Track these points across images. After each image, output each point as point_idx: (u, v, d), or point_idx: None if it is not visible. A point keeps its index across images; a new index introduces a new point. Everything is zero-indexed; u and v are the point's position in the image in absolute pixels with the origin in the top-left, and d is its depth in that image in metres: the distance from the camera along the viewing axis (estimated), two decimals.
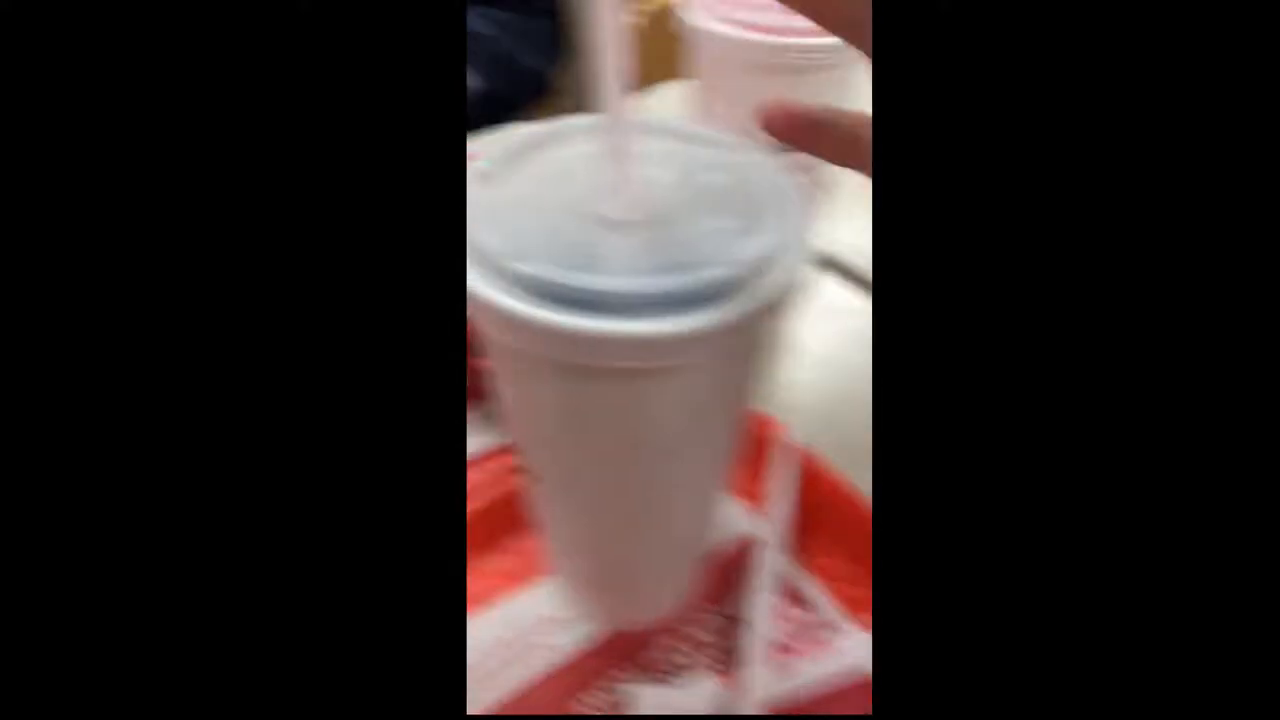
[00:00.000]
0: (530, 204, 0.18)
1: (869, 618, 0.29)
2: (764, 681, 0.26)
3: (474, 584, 0.31)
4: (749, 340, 0.16)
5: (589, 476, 0.20)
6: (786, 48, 0.31)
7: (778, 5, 0.34)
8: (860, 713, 0.26)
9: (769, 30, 0.32)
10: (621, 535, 0.22)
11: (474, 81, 0.66)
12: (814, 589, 0.30)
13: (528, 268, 0.15)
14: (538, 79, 0.79)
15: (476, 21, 0.68)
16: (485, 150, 0.20)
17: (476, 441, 0.34)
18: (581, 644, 0.29)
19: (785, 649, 0.28)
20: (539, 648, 0.29)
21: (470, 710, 0.26)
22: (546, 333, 0.15)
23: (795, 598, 0.30)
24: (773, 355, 0.20)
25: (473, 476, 0.33)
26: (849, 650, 0.28)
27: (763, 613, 0.28)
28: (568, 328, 0.15)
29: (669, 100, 0.57)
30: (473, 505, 0.32)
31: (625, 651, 0.28)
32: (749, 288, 0.16)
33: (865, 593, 0.30)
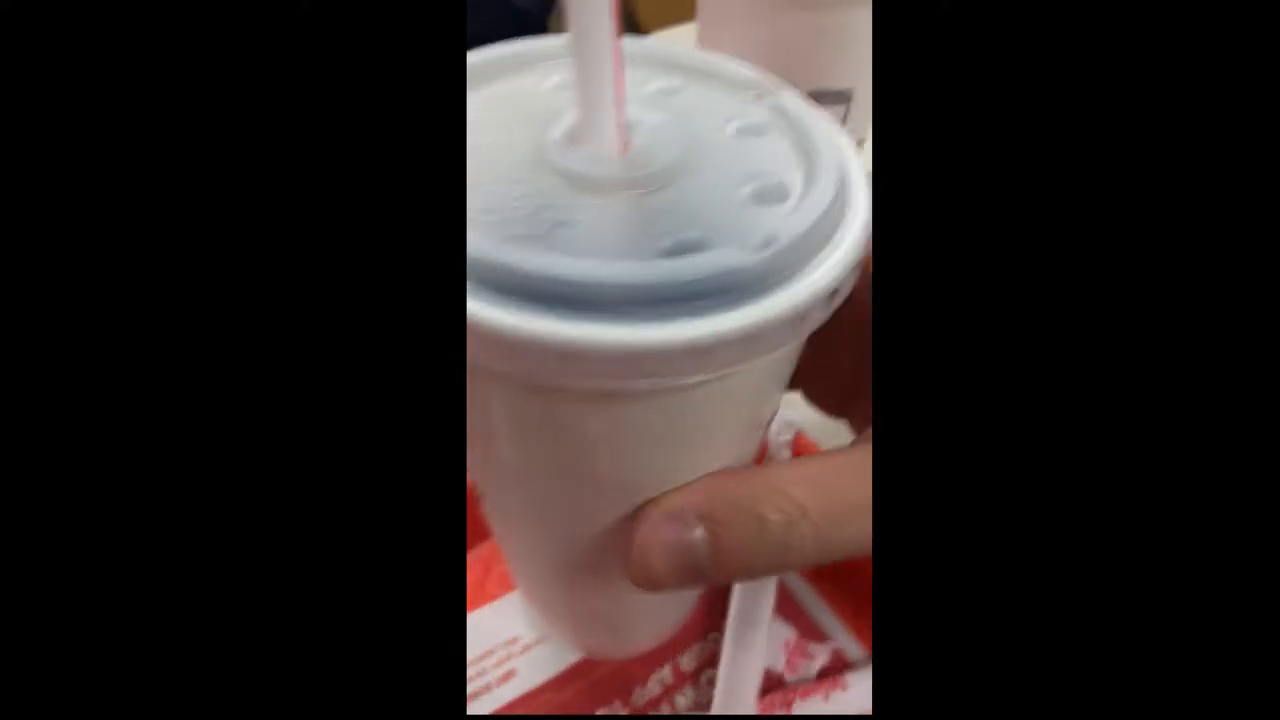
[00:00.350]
0: (472, 151, 0.14)
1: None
2: None
3: None
4: (775, 352, 0.12)
5: (548, 507, 0.16)
6: None
7: None
8: None
9: None
10: (594, 576, 0.18)
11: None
12: (828, 615, 0.26)
13: None
14: (529, 21, 0.73)
15: None
16: None
17: None
18: (554, 672, 0.25)
19: (779, 683, 0.24)
20: (503, 675, 0.25)
21: None
22: (481, 335, 0.11)
23: (807, 627, 0.26)
24: (798, 354, 0.15)
25: None
26: (865, 691, 0.24)
27: (746, 640, 0.24)
28: (509, 331, 0.10)
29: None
30: None
31: (604, 682, 0.25)
32: (785, 276, 0.11)
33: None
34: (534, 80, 0.16)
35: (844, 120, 0.31)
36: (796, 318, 0.11)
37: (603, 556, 0.17)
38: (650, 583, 0.15)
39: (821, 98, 0.30)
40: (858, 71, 0.30)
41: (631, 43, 0.17)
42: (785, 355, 0.14)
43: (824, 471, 0.14)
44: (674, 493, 0.14)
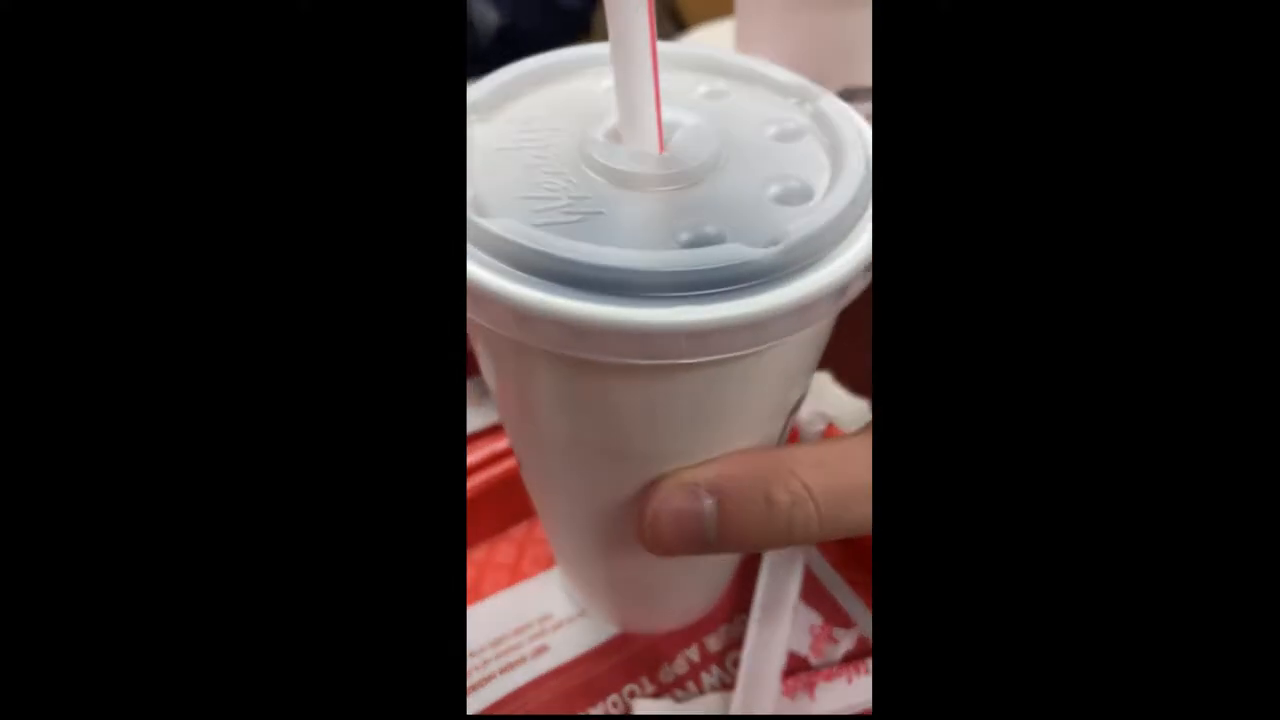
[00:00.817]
0: (519, 148, 0.15)
1: None
2: (767, 705, 0.23)
3: (468, 575, 0.28)
4: (785, 340, 0.13)
5: (584, 479, 0.17)
6: None
7: None
8: None
9: None
10: (627, 546, 0.19)
11: (490, 14, 0.62)
12: (855, 602, 0.27)
13: (499, 228, 0.12)
14: (571, 17, 0.73)
15: None
16: (476, 85, 0.16)
17: (472, 418, 0.31)
18: (585, 648, 0.26)
19: (804, 666, 0.25)
20: (536, 651, 0.26)
21: None
22: (504, 308, 0.12)
23: (833, 613, 0.26)
24: (825, 340, 0.16)
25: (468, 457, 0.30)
26: None
27: (771, 620, 0.25)
28: (528, 306, 0.11)
29: (717, 38, 0.52)
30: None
31: (633, 659, 0.26)
32: (791, 272, 0.12)
33: None
34: (590, 82, 0.17)
35: None
36: (800, 309, 0.12)
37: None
38: (658, 546, 0.16)
39: (857, 95, 0.30)
40: None
41: (683, 48, 0.18)
42: (804, 343, 0.14)
43: (832, 455, 0.15)
44: (689, 467, 0.15)
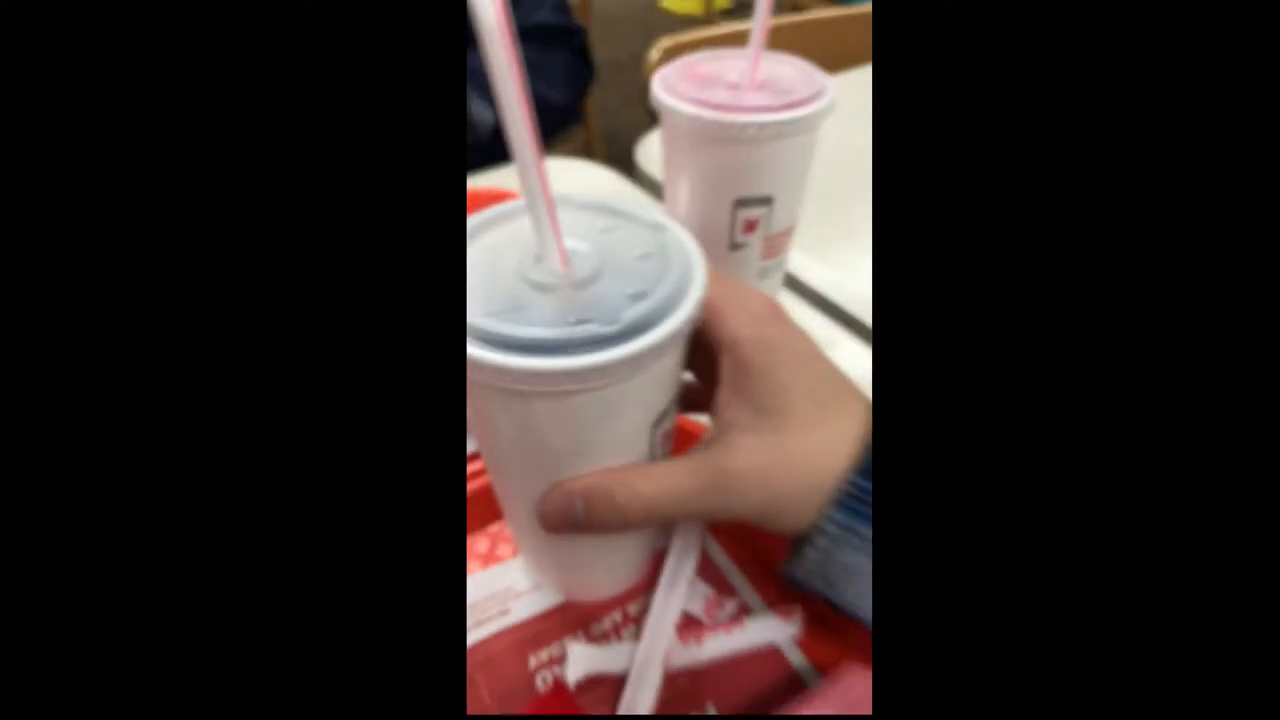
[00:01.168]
0: (486, 265, 0.25)
1: (783, 604, 0.35)
2: (663, 647, 0.32)
3: None
4: (627, 377, 0.22)
5: (529, 476, 0.27)
6: (732, 124, 0.37)
7: (729, 85, 0.40)
8: (759, 676, 0.32)
9: (720, 107, 0.38)
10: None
11: (487, 113, 0.72)
12: (739, 577, 0.36)
13: (467, 316, 0.22)
14: (557, 111, 0.85)
15: None
16: (472, 219, 0.26)
17: None
18: (536, 612, 0.35)
19: (698, 624, 0.34)
20: (500, 613, 0.35)
21: None
22: (477, 365, 0.22)
23: (722, 586, 0.36)
24: (669, 383, 0.26)
25: None
26: (757, 629, 0.33)
27: (672, 589, 0.34)
28: (485, 362, 0.21)
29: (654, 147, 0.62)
30: None
31: (572, 619, 0.35)
32: (629, 338, 0.22)
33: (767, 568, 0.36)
34: (526, 224, 0.27)
35: (769, 217, 0.42)
36: (634, 358, 0.22)
37: None
38: (548, 528, 0.26)
39: (750, 201, 0.41)
40: (777, 183, 0.41)
41: (590, 197, 0.28)
42: (648, 379, 0.24)
43: (658, 471, 0.25)
44: (572, 478, 0.25)
